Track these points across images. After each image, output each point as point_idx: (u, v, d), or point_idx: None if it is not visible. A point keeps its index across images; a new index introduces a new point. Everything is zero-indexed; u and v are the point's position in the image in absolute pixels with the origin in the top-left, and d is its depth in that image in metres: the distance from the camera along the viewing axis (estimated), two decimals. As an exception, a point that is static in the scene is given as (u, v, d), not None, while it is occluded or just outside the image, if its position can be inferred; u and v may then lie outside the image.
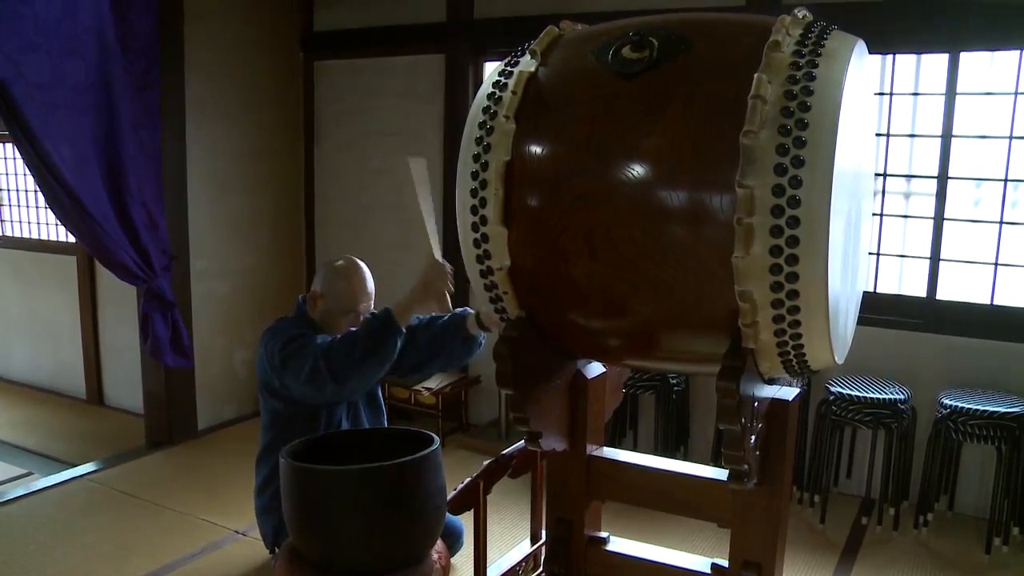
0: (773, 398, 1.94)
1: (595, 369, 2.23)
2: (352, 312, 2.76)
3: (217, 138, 4.56)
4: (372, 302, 2.83)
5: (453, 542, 2.88)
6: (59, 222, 3.96)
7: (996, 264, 3.58)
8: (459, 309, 2.80)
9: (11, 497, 3.71)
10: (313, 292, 2.80)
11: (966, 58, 3.53)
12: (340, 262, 2.84)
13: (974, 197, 3.68)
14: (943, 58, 3.57)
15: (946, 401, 3.35)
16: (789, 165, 1.50)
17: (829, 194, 1.50)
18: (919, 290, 3.76)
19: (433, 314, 2.83)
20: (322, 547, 2.08)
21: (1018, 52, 3.45)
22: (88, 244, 3.97)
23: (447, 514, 2.26)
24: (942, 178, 3.62)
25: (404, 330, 2.54)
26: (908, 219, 3.80)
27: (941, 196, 3.63)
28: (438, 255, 2.55)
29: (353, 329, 2.59)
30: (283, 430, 2.76)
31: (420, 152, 4.70)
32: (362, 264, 2.84)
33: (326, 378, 2.47)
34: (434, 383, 4.48)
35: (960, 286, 3.70)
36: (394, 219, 4.86)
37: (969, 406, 3.27)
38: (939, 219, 3.65)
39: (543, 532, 2.59)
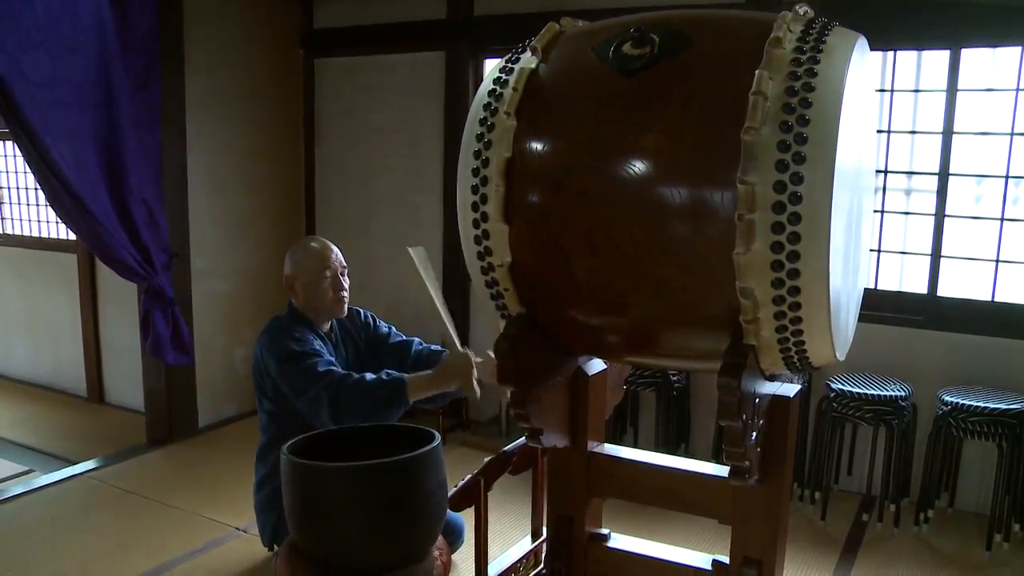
0: (774, 395, 1.94)
1: (596, 366, 2.23)
2: (328, 272, 2.84)
3: (217, 136, 4.55)
4: (342, 260, 2.91)
5: (454, 539, 2.88)
6: (59, 220, 3.97)
7: (997, 261, 3.58)
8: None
9: (12, 494, 3.71)
10: (286, 279, 2.90)
11: (967, 54, 3.53)
12: (295, 244, 3.00)
13: (975, 194, 3.67)
14: (944, 54, 3.56)
15: (947, 398, 3.35)
16: (790, 161, 1.50)
17: (831, 190, 1.50)
18: (920, 287, 3.75)
19: (432, 347, 3.00)
20: (323, 544, 2.08)
21: (1019, 48, 3.45)
22: (88, 241, 3.97)
23: (448, 511, 2.26)
24: (943, 175, 3.62)
25: (411, 403, 2.62)
26: (909, 216, 3.79)
27: (942, 193, 3.63)
28: (459, 345, 2.63)
29: (369, 376, 2.62)
30: (281, 428, 2.78)
31: (420, 150, 4.74)
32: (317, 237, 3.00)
33: (325, 412, 2.56)
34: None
35: (961, 283, 3.69)
36: (395, 217, 4.86)
37: (970, 403, 3.27)
38: (940, 216, 3.65)
39: (544, 529, 2.59)
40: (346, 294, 2.89)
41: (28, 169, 3.80)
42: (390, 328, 3.08)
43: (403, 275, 4.81)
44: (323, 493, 2.05)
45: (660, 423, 3.99)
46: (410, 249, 2.51)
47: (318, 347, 2.73)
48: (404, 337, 3.04)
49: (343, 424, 2.55)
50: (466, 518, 2.70)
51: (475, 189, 1.82)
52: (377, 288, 4.83)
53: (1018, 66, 3.45)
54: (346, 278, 2.90)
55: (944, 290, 3.71)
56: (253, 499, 3.00)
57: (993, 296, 3.61)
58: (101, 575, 3.04)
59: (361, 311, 3.07)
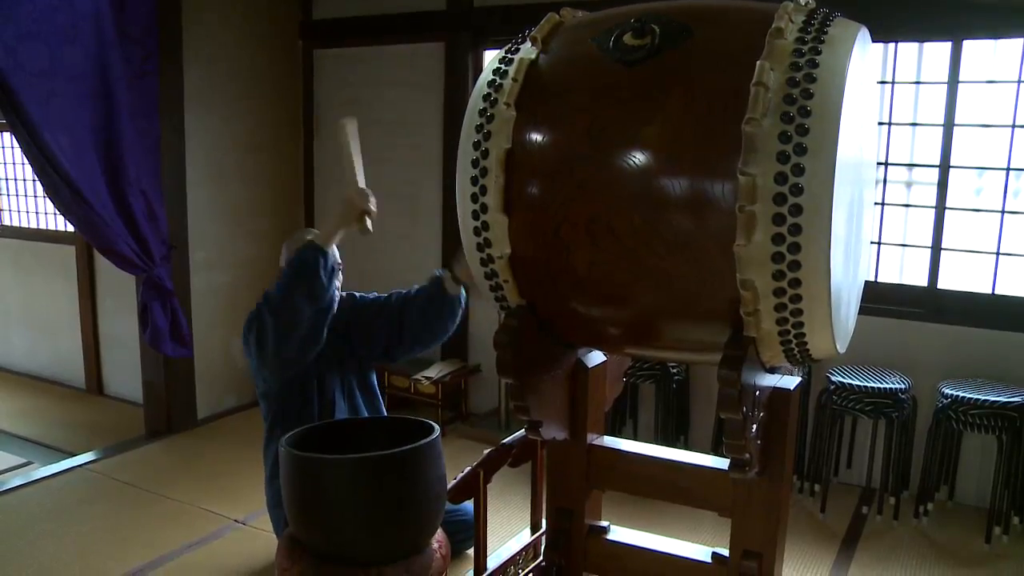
0: (774, 387, 1.94)
1: (596, 358, 2.22)
2: None
3: (216, 127, 4.54)
4: (337, 258, 2.84)
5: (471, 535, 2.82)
6: (58, 211, 3.95)
7: (997, 253, 3.57)
8: (435, 271, 2.91)
9: (10, 486, 3.71)
10: (281, 271, 2.83)
11: (969, 46, 3.51)
12: (293, 235, 2.97)
13: (976, 186, 3.67)
14: (946, 46, 3.55)
15: (947, 391, 3.34)
16: (792, 153, 1.49)
17: (832, 182, 1.49)
18: (920, 279, 3.75)
19: (414, 287, 2.94)
20: (322, 536, 2.08)
21: (1021, 40, 3.43)
22: (87, 233, 3.96)
23: (464, 505, 2.25)
24: (944, 167, 3.61)
25: (328, 251, 2.61)
26: (910, 208, 3.78)
27: (943, 185, 3.62)
28: (361, 183, 2.71)
29: None
30: (279, 413, 2.77)
31: (419, 141, 4.73)
32: None
33: (266, 318, 2.53)
34: (434, 372, 4.47)
35: (961, 275, 3.69)
36: (394, 208, 4.84)
37: (970, 396, 3.27)
38: (941, 208, 3.64)
39: (543, 521, 2.59)
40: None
41: (26, 161, 3.78)
42: (376, 296, 3.03)
43: (404, 266, 4.83)
44: (323, 485, 2.05)
45: (659, 415, 3.99)
46: (344, 120, 2.69)
47: None
48: (384, 295, 3.01)
49: (283, 314, 2.54)
50: (465, 510, 2.70)
51: (475, 180, 1.82)
52: (377, 277, 4.81)
53: (1020, 58, 3.43)
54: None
55: (944, 283, 3.70)
56: (265, 494, 2.97)
57: (994, 289, 3.60)
58: (100, 567, 3.04)
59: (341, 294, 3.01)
